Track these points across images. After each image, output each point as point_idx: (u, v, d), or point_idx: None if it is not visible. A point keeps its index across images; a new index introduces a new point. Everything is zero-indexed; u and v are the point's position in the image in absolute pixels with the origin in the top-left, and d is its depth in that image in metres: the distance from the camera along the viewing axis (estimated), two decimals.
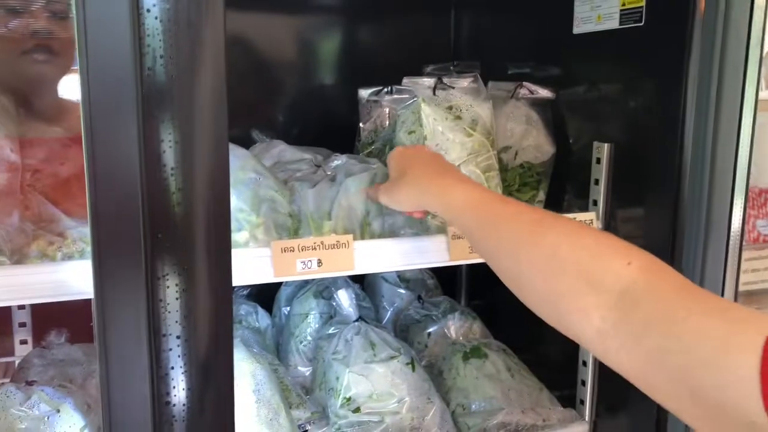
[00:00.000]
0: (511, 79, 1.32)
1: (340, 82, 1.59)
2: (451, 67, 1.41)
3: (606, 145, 1.16)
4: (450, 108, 1.14)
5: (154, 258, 0.73)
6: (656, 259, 0.66)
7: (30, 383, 1.00)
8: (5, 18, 1.02)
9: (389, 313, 1.55)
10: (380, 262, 1.03)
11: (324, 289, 1.42)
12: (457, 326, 1.43)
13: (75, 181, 0.98)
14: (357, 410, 1.16)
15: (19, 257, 0.88)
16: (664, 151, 1.06)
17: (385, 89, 1.25)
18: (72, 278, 0.81)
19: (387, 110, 1.26)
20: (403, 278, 1.58)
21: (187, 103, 0.72)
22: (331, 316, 1.38)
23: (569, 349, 1.26)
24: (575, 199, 1.26)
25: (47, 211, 0.93)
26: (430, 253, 1.05)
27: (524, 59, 1.39)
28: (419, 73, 1.34)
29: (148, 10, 0.69)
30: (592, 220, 1.16)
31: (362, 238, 1.05)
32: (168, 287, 0.74)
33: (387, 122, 1.26)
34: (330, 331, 1.31)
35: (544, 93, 1.27)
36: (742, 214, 1.05)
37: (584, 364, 1.27)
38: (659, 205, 1.08)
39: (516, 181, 1.26)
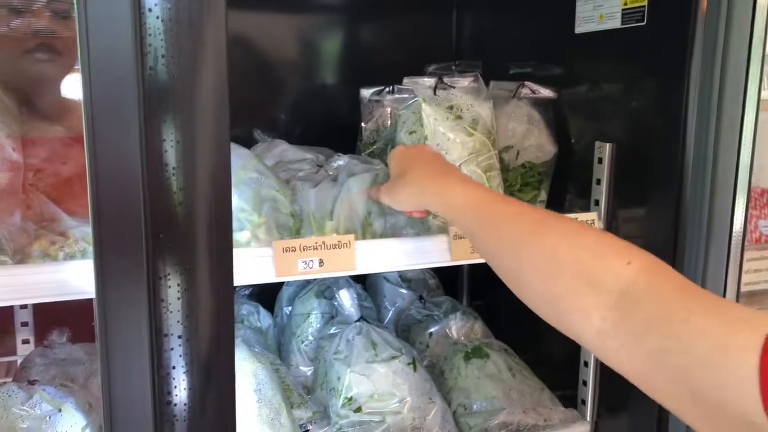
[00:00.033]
0: (513, 79, 1.32)
1: (342, 82, 1.59)
2: (453, 67, 1.40)
3: (608, 144, 1.16)
4: (451, 108, 1.14)
5: (156, 258, 0.73)
6: (656, 259, 0.66)
7: (32, 382, 1.00)
8: (8, 17, 1.02)
9: (391, 313, 1.55)
10: (382, 262, 1.03)
11: (326, 289, 1.42)
12: (458, 326, 1.43)
13: (77, 180, 0.98)
14: (358, 410, 1.16)
15: (21, 257, 0.88)
16: (666, 150, 1.06)
17: (387, 89, 1.25)
18: (74, 278, 0.81)
19: (389, 110, 1.26)
20: (405, 278, 1.58)
21: (188, 103, 0.72)
22: (332, 316, 1.38)
23: (571, 349, 1.26)
24: (577, 199, 1.26)
25: (49, 210, 0.93)
26: (432, 253, 1.05)
27: (526, 59, 1.39)
28: (421, 72, 1.34)
29: (150, 10, 0.69)
30: (593, 220, 1.16)
31: (364, 238, 1.05)
32: (170, 287, 0.74)
33: (389, 122, 1.25)
34: (331, 331, 1.31)
35: (545, 93, 1.27)
36: (744, 214, 1.05)
37: (585, 364, 1.27)
38: (661, 205, 1.08)
39: (517, 181, 1.25)
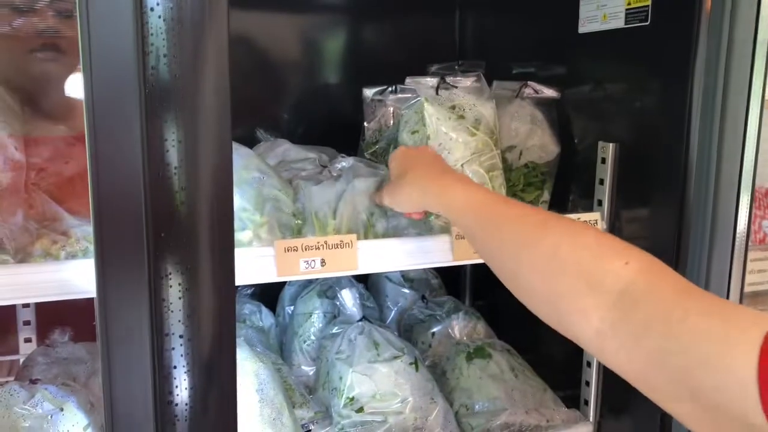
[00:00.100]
0: (516, 79, 1.32)
1: (344, 82, 1.59)
2: (456, 67, 1.40)
3: (611, 144, 1.16)
4: (453, 107, 1.14)
5: (157, 257, 0.73)
6: (656, 260, 0.66)
7: (34, 381, 1.00)
8: (10, 16, 1.02)
9: (393, 312, 1.55)
10: (384, 262, 1.03)
11: (328, 289, 1.42)
12: (461, 326, 1.43)
13: (79, 179, 0.98)
14: (360, 410, 1.16)
15: (23, 256, 0.88)
16: (669, 150, 1.05)
17: (390, 89, 1.24)
18: (75, 277, 0.81)
19: (391, 109, 1.26)
20: (408, 278, 1.58)
21: (190, 102, 0.72)
22: (334, 315, 1.38)
23: (573, 350, 1.24)
24: (580, 199, 1.26)
25: (51, 209, 0.93)
26: (434, 252, 1.05)
27: (529, 59, 1.39)
28: (424, 72, 1.34)
29: (152, 9, 0.69)
30: (596, 220, 1.16)
31: (366, 238, 1.05)
32: (171, 286, 0.74)
33: (391, 121, 1.25)
34: (334, 331, 1.31)
35: (549, 92, 1.27)
36: (747, 214, 1.04)
37: (588, 364, 1.27)
38: (664, 205, 1.08)
39: (520, 180, 1.25)
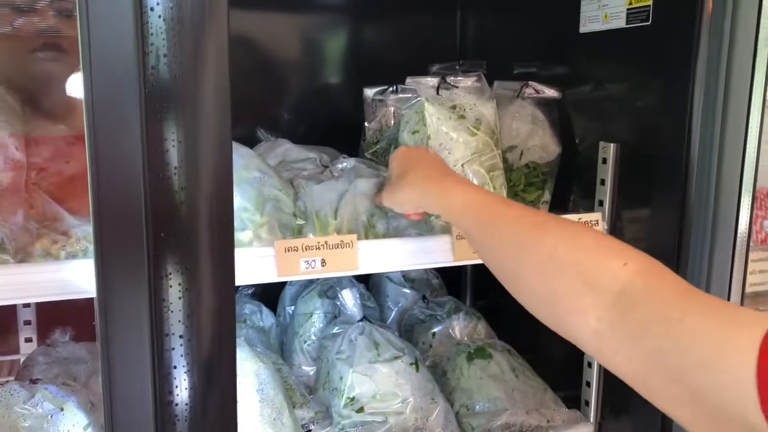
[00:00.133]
0: (517, 79, 1.32)
1: (345, 81, 1.59)
2: (457, 67, 1.40)
3: (612, 145, 1.15)
4: (453, 107, 1.14)
5: (157, 257, 0.73)
6: (654, 261, 0.66)
7: (34, 381, 1.00)
8: (11, 16, 1.02)
9: (394, 312, 1.55)
10: (384, 262, 1.02)
11: (329, 289, 1.42)
12: (461, 326, 1.43)
13: (80, 179, 0.98)
14: (360, 410, 1.16)
15: (23, 256, 0.88)
16: (670, 151, 1.05)
17: (390, 88, 1.24)
18: (76, 277, 0.81)
19: (392, 109, 1.25)
20: (408, 278, 1.58)
21: (190, 102, 0.72)
22: (335, 315, 1.38)
23: (574, 350, 1.24)
24: (581, 199, 1.25)
25: (51, 209, 0.93)
26: (435, 253, 1.05)
27: (530, 59, 1.39)
28: (425, 72, 1.34)
29: (152, 9, 0.69)
30: (597, 220, 1.16)
31: (366, 239, 1.05)
32: (171, 286, 0.74)
33: (392, 121, 1.25)
34: (334, 331, 1.31)
35: (550, 92, 1.26)
36: (749, 214, 1.04)
37: (589, 365, 1.27)
38: (665, 206, 1.08)
39: (521, 181, 1.25)
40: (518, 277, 0.74)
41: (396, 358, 1.21)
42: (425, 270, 1.60)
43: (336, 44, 1.59)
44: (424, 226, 1.09)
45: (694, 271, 1.06)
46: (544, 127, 1.27)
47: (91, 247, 0.87)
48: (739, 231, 1.04)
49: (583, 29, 1.21)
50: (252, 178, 1.01)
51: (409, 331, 1.50)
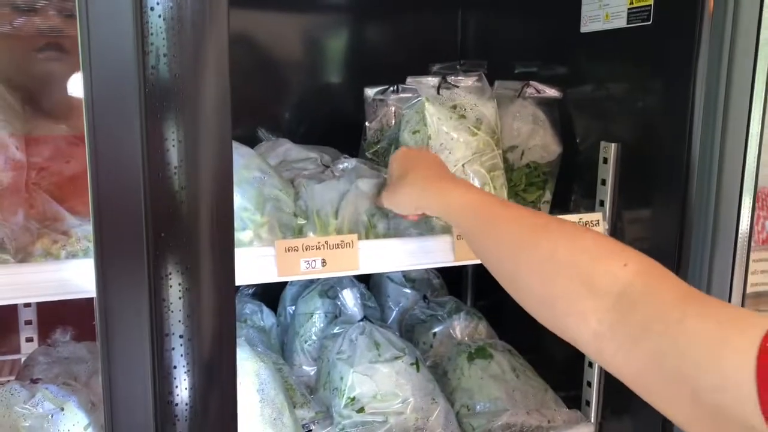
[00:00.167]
0: (518, 78, 1.32)
1: (346, 81, 1.59)
2: (458, 66, 1.40)
3: (613, 144, 1.15)
4: (454, 107, 1.14)
5: (157, 257, 0.73)
6: (654, 262, 0.65)
7: (35, 381, 1.00)
8: (11, 16, 1.02)
9: (395, 312, 1.55)
10: (385, 262, 1.02)
11: (329, 289, 1.42)
12: (462, 326, 1.43)
13: (80, 179, 0.98)
14: (361, 410, 1.15)
15: (23, 255, 0.88)
16: (671, 150, 1.05)
17: (391, 88, 1.24)
18: (76, 277, 0.81)
19: (393, 109, 1.25)
20: (409, 278, 1.58)
21: (190, 102, 0.72)
22: (336, 315, 1.38)
23: (575, 351, 1.24)
24: (582, 199, 1.25)
25: (52, 209, 0.93)
26: (435, 253, 1.05)
27: (531, 58, 1.38)
28: (426, 72, 1.34)
29: (152, 8, 0.69)
30: (598, 220, 1.16)
31: (367, 239, 1.05)
32: (171, 286, 0.74)
33: (393, 121, 1.25)
34: (335, 331, 1.31)
35: (551, 92, 1.26)
36: (750, 214, 1.04)
37: (590, 365, 1.26)
38: (666, 206, 1.07)
39: (522, 180, 1.25)
40: (517, 278, 0.74)
41: (397, 358, 1.21)
42: (426, 270, 1.60)
43: (337, 44, 1.59)
44: (425, 226, 1.09)
45: (695, 271, 1.06)
46: (545, 126, 1.27)
47: (92, 247, 0.87)
48: (740, 231, 1.04)
49: (584, 29, 1.21)
50: (252, 178, 1.01)
51: (409, 331, 1.50)
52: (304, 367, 1.35)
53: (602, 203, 1.18)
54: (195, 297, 0.75)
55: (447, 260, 1.05)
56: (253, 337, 1.35)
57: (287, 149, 1.23)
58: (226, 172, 0.75)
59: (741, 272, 1.06)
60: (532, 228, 0.75)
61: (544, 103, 1.28)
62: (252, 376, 1.09)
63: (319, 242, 0.96)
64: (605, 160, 1.17)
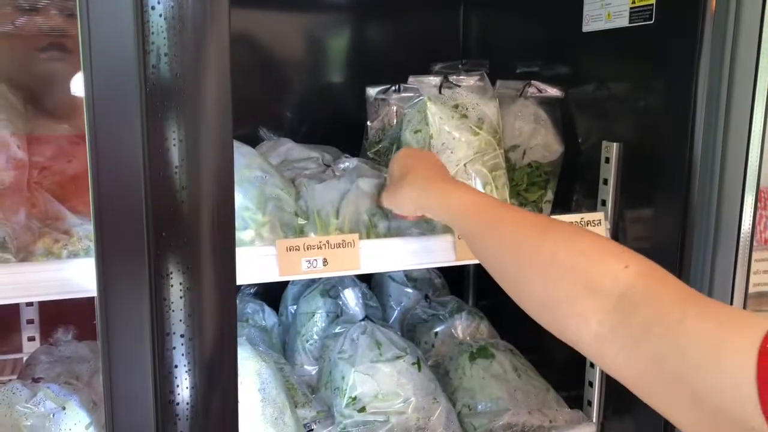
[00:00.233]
0: (519, 78, 1.31)
1: (348, 80, 1.59)
2: (460, 66, 1.40)
3: (615, 144, 1.15)
4: (456, 107, 1.14)
5: (159, 256, 0.73)
6: (654, 264, 0.65)
7: (36, 380, 1.00)
8: (13, 15, 1.02)
9: (396, 312, 1.54)
10: (386, 262, 1.02)
11: (331, 288, 1.42)
12: (464, 326, 1.43)
13: (81, 178, 0.98)
14: (362, 410, 1.15)
15: (24, 255, 0.88)
16: (673, 150, 1.05)
17: (393, 87, 1.24)
18: (77, 276, 0.81)
19: (394, 108, 1.25)
20: (411, 277, 1.58)
21: (191, 101, 0.72)
22: (337, 315, 1.38)
23: (576, 351, 1.25)
24: (584, 198, 1.25)
25: (53, 208, 0.93)
26: (436, 252, 1.05)
27: (533, 58, 1.38)
28: (427, 71, 1.33)
29: (153, 8, 0.69)
30: (600, 220, 1.15)
31: (368, 238, 1.05)
32: (172, 286, 0.74)
33: (394, 121, 1.25)
34: (336, 330, 1.31)
35: (552, 92, 1.26)
36: (752, 214, 1.04)
37: (592, 365, 1.26)
38: (668, 205, 1.07)
39: (524, 180, 1.25)
40: (518, 281, 0.74)
41: (398, 357, 1.21)
42: (428, 269, 1.60)
43: (338, 43, 1.59)
44: (426, 225, 1.08)
45: (697, 271, 1.06)
46: (546, 126, 1.27)
47: (93, 246, 0.87)
48: (742, 231, 1.04)
49: (586, 28, 1.21)
50: (254, 177, 1.01)
51: (411, 330, 1.50)
52: (305, 367, 1.35)
53: (604, 203, 1.18)
54: (196, 296, 0.75)
55: (448, 260, 1.05)
56: (255, 336, 1.35)
57: (289, 149, 1.23)
58: (227, 172, 0.75)
59: (743, 272, 1.06)
60: (533, 231, 0.75)
61: (546, 103, 1.28)
62: (253, 375, 1.09)
63: (320, 242, 0.96)
64: (607, 160, 1.17)
